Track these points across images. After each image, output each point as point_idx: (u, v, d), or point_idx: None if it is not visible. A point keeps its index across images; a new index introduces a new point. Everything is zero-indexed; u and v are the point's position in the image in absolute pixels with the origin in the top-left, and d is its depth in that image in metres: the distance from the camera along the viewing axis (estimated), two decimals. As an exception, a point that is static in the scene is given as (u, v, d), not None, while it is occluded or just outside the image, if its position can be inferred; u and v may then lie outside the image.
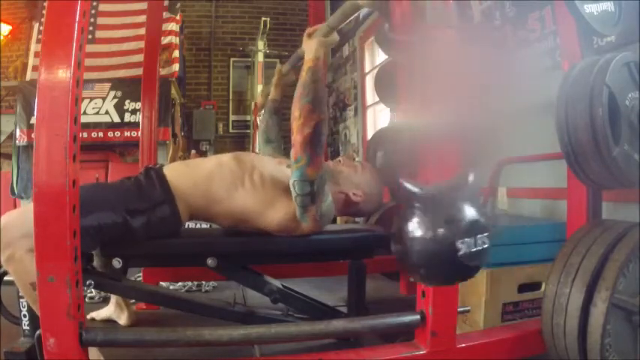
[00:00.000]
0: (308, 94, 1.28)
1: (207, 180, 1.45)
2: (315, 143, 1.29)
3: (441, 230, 0.92)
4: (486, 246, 0.94)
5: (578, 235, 1.28)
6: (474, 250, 0.92)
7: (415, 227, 0.94)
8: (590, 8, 1.30)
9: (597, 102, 1.19)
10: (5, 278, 1.38)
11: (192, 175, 1.47)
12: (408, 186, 0.96)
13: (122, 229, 1.33)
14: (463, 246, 0.91)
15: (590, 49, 1.41)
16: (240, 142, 5.89)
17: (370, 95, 4.36)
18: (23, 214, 1.25)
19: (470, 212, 0.93)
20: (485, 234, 0.94)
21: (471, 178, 0.98)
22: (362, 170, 1.57)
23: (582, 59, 1.33)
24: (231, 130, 5.96)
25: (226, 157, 1.53)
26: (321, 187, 1.35)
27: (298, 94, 1.31)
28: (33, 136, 3.21)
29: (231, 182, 1.44)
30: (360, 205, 1.54)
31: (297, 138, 1.30)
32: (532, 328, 1.33)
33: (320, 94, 1.30)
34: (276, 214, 1.41)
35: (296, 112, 1.30)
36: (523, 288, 1.63)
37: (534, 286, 1.64)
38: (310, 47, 1.36)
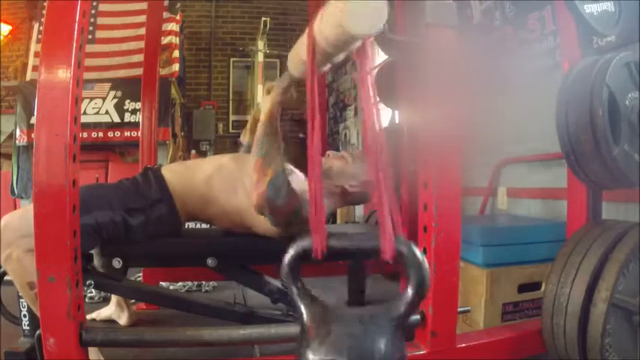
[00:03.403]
0: (261, 148, 1.25)
1: (206, 181, 1.45)
2: (271, 197, 1.24)
3: None
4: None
5: (578, 235, 1.28)
6: None
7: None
8: (590, 8, 1.30)
9: (597, 102, 1.18)
10: (5, 278, 1.38)
11: (190, 177, 1.47)
12: None
13: (121, 227, 1.34)
14: None
15: (590, 49, 1.41)
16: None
17: (370, 95, 4.35)
18: (23, 214, 1.26)
19: None
20: None
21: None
22: (354, 160, 1.55)
23: (582, 59, 1.33)
24: (231, 130, 5.95)
25: (225, 159, 1.52)
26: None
27: (252, 150, 1.28)
28: (33, 136, 3.21)
29: (230, 184, 1.44)
30: (359, 194, 1.53)
31: (254, 192, 1.26)
32: (532, 328, 1.33)
33: (272, 149, 1.25)
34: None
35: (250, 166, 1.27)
36: (523, 288, 1.63)
37: (534, 286, 1.64)
38: (265, 103, 1.31)
